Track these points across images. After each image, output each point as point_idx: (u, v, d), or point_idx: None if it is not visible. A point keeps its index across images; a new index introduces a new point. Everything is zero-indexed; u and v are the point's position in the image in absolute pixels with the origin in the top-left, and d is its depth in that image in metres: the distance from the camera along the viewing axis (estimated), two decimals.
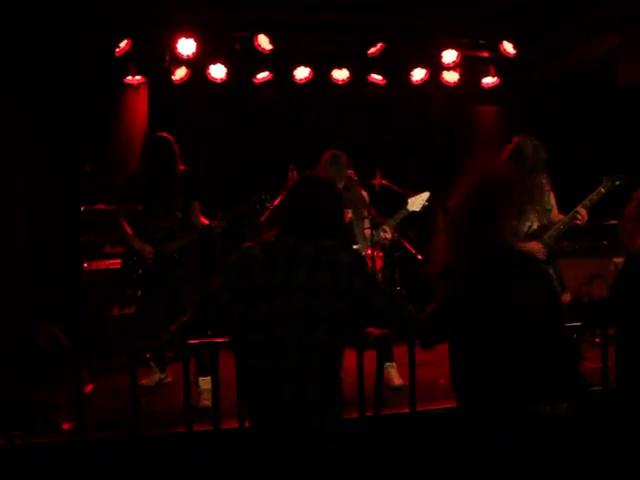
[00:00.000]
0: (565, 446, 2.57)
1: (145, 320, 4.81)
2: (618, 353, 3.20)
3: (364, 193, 4.96)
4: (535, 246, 4.32)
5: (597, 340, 4.90)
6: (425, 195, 4.90)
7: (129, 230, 4.75)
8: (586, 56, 6.60)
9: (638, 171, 5.74)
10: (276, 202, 4.84)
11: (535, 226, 4.44)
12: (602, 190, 4.36)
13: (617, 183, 4.36)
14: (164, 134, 4.69)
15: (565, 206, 4.53)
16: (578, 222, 4.32)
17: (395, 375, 4.66)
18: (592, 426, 3.54)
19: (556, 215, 4.51)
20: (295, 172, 6.29)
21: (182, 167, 4.72)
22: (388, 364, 4.64)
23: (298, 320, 2.27)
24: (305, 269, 2.32)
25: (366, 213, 4.80)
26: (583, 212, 4.30)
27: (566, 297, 3.75)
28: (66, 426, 3.84)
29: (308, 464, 2.29)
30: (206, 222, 4.76)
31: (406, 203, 4.88)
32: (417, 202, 4.87)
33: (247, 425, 2.51)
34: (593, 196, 4.36)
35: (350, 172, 4.72)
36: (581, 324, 3.71)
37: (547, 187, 4.53)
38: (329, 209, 2.55)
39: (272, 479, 2.32)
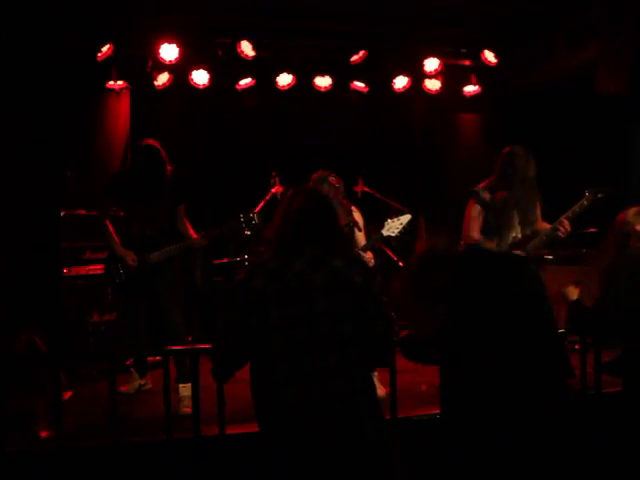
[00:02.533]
0: (550, 449, 2.59)
1: (128, 326, 4.80)
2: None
3: (357, 215, 4.77)
4: None
5: (576, 347, 4.95)
6: (405, 218, 4.58)
7: (115, 235, 4.73)
8: (566, 65, 6.68)
9: (617, 180, 5.82)
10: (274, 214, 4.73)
11: (519, 236, 4.47)
12: (585, 203, 4.39)
13: (599, 195, 4.39)
14: (152, 142, 4.63)
15: (545, 214, 4.57)
16: (560, 234, 4.34)
17: (377, 385, 4.64)
18: (570, 431, 3.57)
19: (540, 224, 4.54)
20: (277, 178, 6.31)
21: (170, 168, 4.69)
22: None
23: (334, 346, 2.30)
24: (325, 299, 2.32)
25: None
26: (566, 225, 4.33)
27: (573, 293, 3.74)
28: (44, 434, 3.80)
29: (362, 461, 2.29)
30: (190, 228, 4.75)
31: (382, 227, 4.60)
32: (394, 226, 4.56)
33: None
34: (576, 208, 4.38)
35: (332, 179, 4.71)
36: (562, 331, 3.76)
37: (535, 199, 4.52)
38: (330, 222, 2.52)
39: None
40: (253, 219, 4.58)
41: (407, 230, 4.60)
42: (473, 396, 2.53)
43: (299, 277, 2.33)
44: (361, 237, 4.74)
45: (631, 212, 3.47)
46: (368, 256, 4.53)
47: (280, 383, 2.29)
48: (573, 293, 3.50)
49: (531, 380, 2.49)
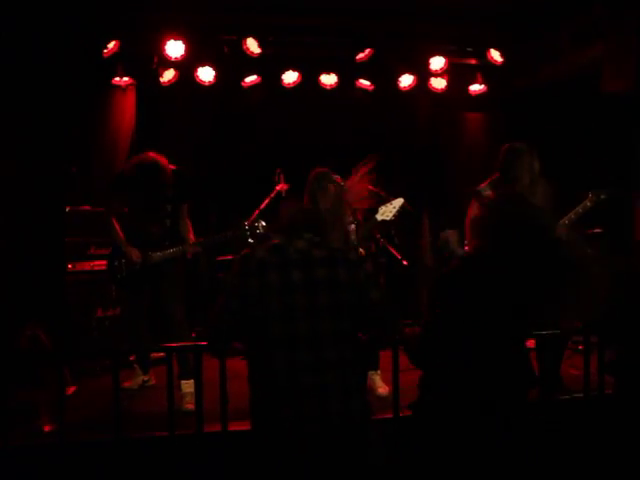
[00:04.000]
0: (545, 451, 2.59)
1: (131, 322, 4.82)
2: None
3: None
4: None
5: (580, 347, 4.95)
6: (397, 202, 4.59)
7: (120, 231, 4.74)
8: (572, 65, 6.66)
9: (621, 180, 5.80)
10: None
11: None
12: (588, 204, 4.38)
13: (603, 197, 4.39)
14: (153, 157, 4.60)
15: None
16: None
17: (380, 384, 4.65)
18: (574, 431, 3.57)
19: None
20: (282, 175, 6.31)
21: (173, 167, 4.70)
22: (372, 372, 4.64)
23: (328, 314, 2.40)
24: (324, 269, 2.44)
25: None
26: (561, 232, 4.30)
27: None
28: (47, 428, 3.82)
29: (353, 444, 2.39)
30: (191, 230, 4.76)
31: (376, 212, 4.60)
32: (388, 210, 4.57)
33: (259, 425, 2.47)
34: (579, 209, 4.37)
35: (336, 177, 4.71)
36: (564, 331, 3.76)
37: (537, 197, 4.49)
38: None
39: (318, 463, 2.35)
40: (258, 228, 4.58)
41: (401, 213, 4.60)
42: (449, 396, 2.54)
43: (300, 252, 2.46)
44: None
45: None
46: (360, 252, 4.52)
47: (274, 348, 2.36)
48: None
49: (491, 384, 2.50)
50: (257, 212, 5.97)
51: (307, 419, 2.31)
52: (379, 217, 4.57)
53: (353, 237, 4.65)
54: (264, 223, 4.60)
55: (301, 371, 2.34)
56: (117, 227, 4.74)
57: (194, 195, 4.89)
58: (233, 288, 2.46)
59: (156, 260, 4.65)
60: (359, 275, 2.49)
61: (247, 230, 4.61)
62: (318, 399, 2.33)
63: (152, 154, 4.61)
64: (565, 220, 4.33)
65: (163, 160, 4.61)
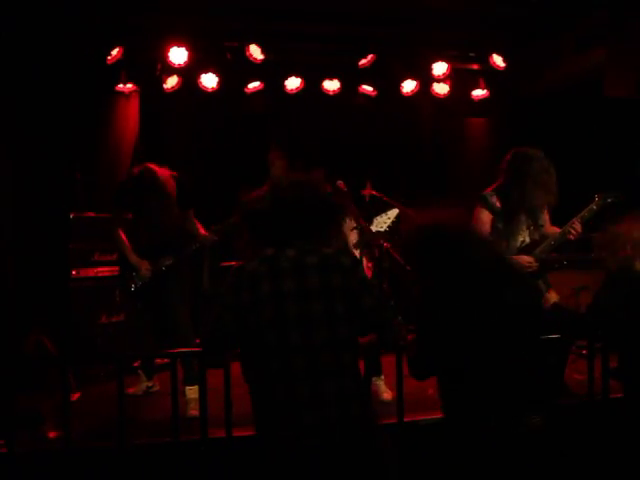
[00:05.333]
0: (548, 458, 2.58)
1: (136, 328, 4.82)
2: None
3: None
4: (527, 260, 4.34)
5: (584, 352, 4.93)
6: (392, 213, 4.61)
7: (127, 242, 4.73)
8: (575, 69, 6.67)
9: (627, 185, 5.78)
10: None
11: (527, 241, 4.45)
12: (594, 207, 4.36)
13: (609, 200, 4.36)
14: (150, 167, 4.59)
15: (555, 218, 4.54)
16: (571, 237, 4.32)
17: (384, 389, 4.64)
18: (577, 437, 3.57)
19: (549, 229, 4.51)
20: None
21: (173, 173, 4.70)
22: (376, 378, 4.63)
23: (323, 322, 2.36)
24: (317, 277, 2.40)
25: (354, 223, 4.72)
26: (577, 227, 4.30)
27: (552, 296, 3.76)
28: (52, 435, 3.82)
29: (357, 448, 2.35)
30: (201, 227, 4.77)
31: (371, 224, 4.63)
32: (382, 221, 4.60)
33: (262, 433, 2.46)
34: (585, 213, 4.35)
35: (340, 183, 4.72)
36: (568, 336, 3.76)
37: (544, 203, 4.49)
38: (315, 211, 2.56)
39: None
40: None
41: (396, 224, 4.61)
42: (470, 403, 2.54)
43: (291, 260, 2.42)
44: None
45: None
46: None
47: (269, 357, 2.34)
48: (552, 297, 3.53)
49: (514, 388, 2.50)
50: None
51: (305, 428, 2.29)
52: (374, 228, 4.60)
53: (354, 241, 4.65)
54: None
55: (297, 380, 2.31)
56: (124, 238, 4.73)
57: (196, 202, 4.88)
58: (226, 302, 2.44)
59: (168, 264, 4.65)
60: (352, 281, 2.44)
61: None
62: (315, 408, 2.30)
63: (150, 165, 4.61)
64: (574, 222, 4.32)
65: (161, 171, 4.59)
